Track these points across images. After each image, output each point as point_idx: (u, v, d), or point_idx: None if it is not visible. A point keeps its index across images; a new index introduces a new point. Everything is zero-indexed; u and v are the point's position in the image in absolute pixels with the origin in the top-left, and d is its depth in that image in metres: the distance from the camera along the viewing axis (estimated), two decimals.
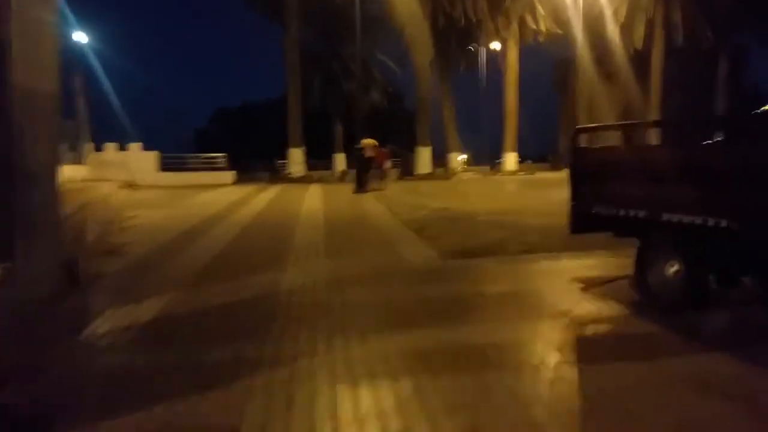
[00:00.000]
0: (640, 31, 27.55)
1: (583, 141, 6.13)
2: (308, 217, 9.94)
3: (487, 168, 34.40)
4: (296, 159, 24.39)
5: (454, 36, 31.55)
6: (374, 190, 15.88)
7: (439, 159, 36.85)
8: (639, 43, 27.77)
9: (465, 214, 9.83)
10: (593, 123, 29.31)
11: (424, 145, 26.04)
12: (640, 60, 29.87)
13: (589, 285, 4.87)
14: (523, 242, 6.75)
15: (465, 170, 32.02)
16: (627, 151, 5.04)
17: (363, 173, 14.50)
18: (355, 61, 27.47)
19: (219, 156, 25.30)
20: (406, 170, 28.50)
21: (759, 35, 30.85)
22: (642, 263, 4.41)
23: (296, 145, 24.26)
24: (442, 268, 5.93)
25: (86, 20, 28.09)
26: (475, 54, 35.22)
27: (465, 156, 38.61)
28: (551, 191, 13.50)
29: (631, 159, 4.87)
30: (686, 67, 30.39)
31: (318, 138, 33.61)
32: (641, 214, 4.37)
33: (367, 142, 18.03)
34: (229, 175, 23.81)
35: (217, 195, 16.46)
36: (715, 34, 26.94)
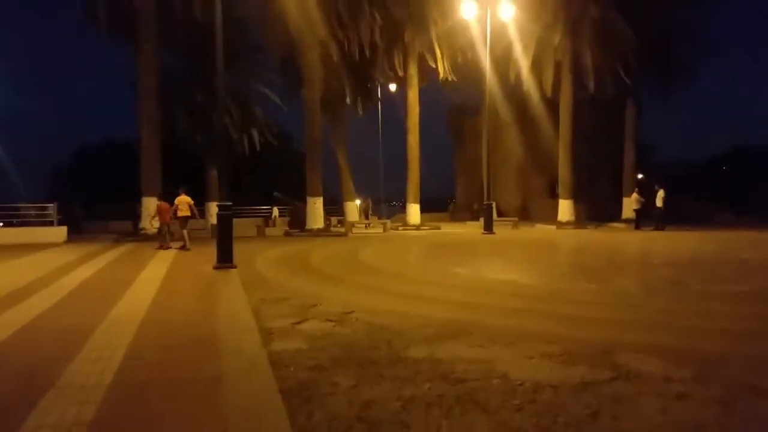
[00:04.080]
0: (548, 73, 25.75)
1: None
2: (103, 339, 5.33)
3: (386, 219, 30.92)
4: (152, 211, 19.17)
5: (350, 72, 28.19)
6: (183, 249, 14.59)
7: (335, 204, 33.02)
8: (548, 86, 25.96)
9: (382, 334, 5.70)
10: (500, 170, 27.23)
11: (315, 195, 21.86)
12: (551, 104, 28.29)
13: None
14: None
15: (364, 222, 28.27)
16: None
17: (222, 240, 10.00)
18: (231, 93, 23.00)
19: (48, 206, 19.44)
20: (295, 222, 24.16)
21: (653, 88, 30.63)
22: None
23: (151, 193, 19.05)
24: None
25: None
26: (373, 93, 32.18)
27: (363, 202, 35.01)
28: (476, 262, 9.92)
29: None
30: (594, 114, 29.27)
31: (193, 182, 28.39)
32: None
33: (183, 199, 15.40)
34: (57, 232, 18.11)
35: (11, 267, 11.08)
36: (624, 82, 25.78)
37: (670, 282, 8.81)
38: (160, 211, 15.83)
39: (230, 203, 10.42)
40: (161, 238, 15.65)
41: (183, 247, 14.92)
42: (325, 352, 4.89)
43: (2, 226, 19.77)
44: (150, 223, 18.04)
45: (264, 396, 3.85)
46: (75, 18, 31.72)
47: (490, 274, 9.97)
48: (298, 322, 6.06)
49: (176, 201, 15.50)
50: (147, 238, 18.59)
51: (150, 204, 19.10)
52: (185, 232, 15.26)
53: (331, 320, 6.12)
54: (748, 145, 55.83)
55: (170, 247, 15.08)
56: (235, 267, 10.31)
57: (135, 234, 19.28)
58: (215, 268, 10.25)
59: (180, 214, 15.37)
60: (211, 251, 11.06)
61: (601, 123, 31.84)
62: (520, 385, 3.98)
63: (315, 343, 5.22)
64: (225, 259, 10.18)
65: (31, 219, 20.76)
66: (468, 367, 4.39)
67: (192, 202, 15.47)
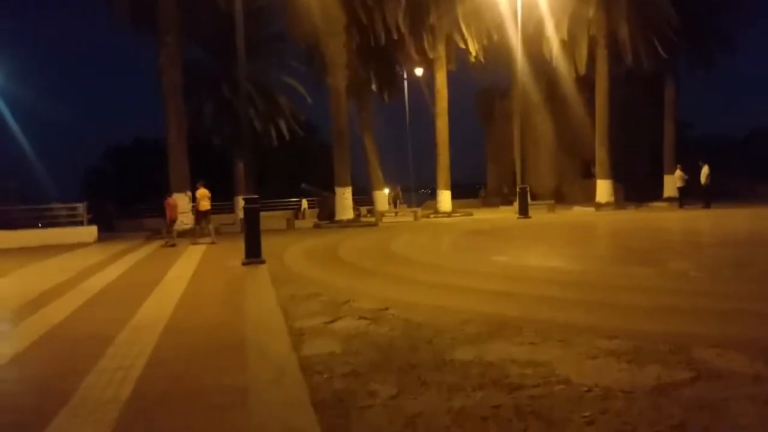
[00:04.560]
0: (582, 50, 24.67)
1: None
2: (123, 347, 4.97)
3: (416, 207, 30.35)
4: (182, 207, 19.01)
5: (375, 57, 27.62)
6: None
7: (364, 194, 32.62)
8: (582, 63, 24.88)
9: (421, 332, 5.21)
10: (531, 152, 26.32)
11: (344, 185, 21.43)
12: (583, 82, 27.20)
13: None
14: None
15: (393, 211, 27.79)
16: None
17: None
18: (255, 84, 22.68)
19: (77, 206, 19.46)
20: (324, 214, 23.81)
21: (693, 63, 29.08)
22: None
23: (180, 189, 18.86)
24: None
25: None
26: (400, 79, 31.54)
27: (392, 190, 34.54)
28: (515, 248, 9.30)
29: None
30: (629, 91, 28.06)
31: (220, 177, 28.27)
32: None
33: (203, 192, 15.13)
34: (88, 232, 18.10)
35: (36, 270, 10.95)
36: (662, 57, 24.51)
37: (732, 263, 8.10)
38: (168, 207, 15.45)
39: (257, 196, 10.04)
40: (167, 235, 15.32)
41: (211, 242, 14.74)
42: (361, 356, 4.43)
43: (38, 227, 19.87)
44: (181, 220, 17.90)
45: (294, 410, 3.41)
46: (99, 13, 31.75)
47: (531, 261, 9.38)
48: (330, 321, 5.61)
49: (197, 195, 15.25)
50: (178, 234, 18.43)
51: (180, 200, 18.95)
52: (211, 226, 15.06)
53: (365, 318, 5.66)
54: None
55: (175, 245, 14.71)
56: (264, 262, 9.95)
57: (167, 231, 19.16)
58: (244, 263, 9.90)
59: (201, 208, 15.14)
60: (240, 246, 10.70)
61: (636, 99, 30.58)
62: (588, 391, 3.44)
63: (349, 344, 4.77)
64: (253, 254, 9.82)
65: (62, 219, 20.86)
66: (523, 370, 3.87)
67: (210, 195, 15.25)
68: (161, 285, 8.42)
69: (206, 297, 7.40)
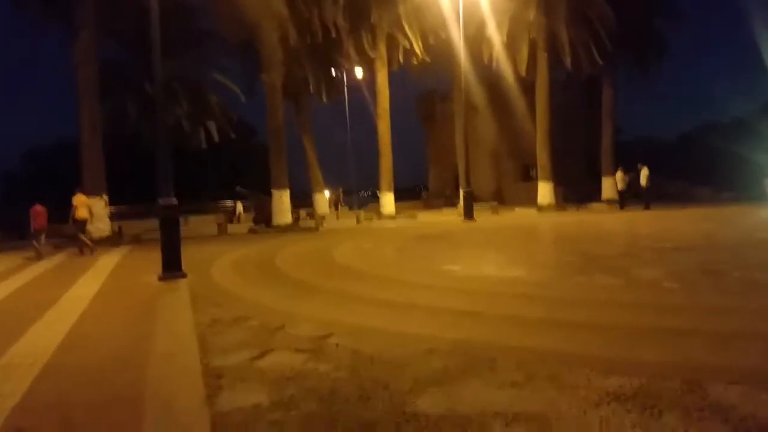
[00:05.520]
0: (523, 53, 24.45)
1: None
2: None
3: (357, 209, 29.39)
4: (97, 212, 17.17)
5: (313, 56, 26.48)
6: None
7: (305, 197, 31.44)
8: (522, 66, 24.67)
9: (374, 371, 4.21)
10: (472, 154, 25.88)
11: (281, 187, 20.14)
12: (524, 86, 27.11)
13: None
14: None
15: (334, 214, 26.73)
16: None
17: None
18: (183, 82, 21.01)
19: None
20: (261, 218, 22.41)
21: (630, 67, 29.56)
22: None
23: (95, 193, 17.04)
24: None
25: None
26: (338, 79, 30.51)
27: (333, 193, 33.45)
28: (468, 255, 8.47)
29: None
30: (565, 95, 28.21)
31: (147, 180, 26.22)
32: None
33: (80, 199, 14.20)
34: None
35: None
36: (601, 61, 24.63)
37: (701, 271, 7.54)
38: (34, 216, 13.95)
39: (175, 200, 8.71)
40: (35, 249, 13.77)
41: (83, 251, 13.62)
42: (296, 409, 3.35)
43: None
44: (97, 226, 16.14)
45: None
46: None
47: (488, 271, 8.56)
48: (259, 356, 4.49)
49: (74, 202, 13.79)
50: (95, 241, 16.63)
51: (94, 204, 17.11)
52: (83, 236, 13.66)
53: (302, 350, 4.58)
54: (715, 120, 56.04)
55: (42, 259, 13.27)
56: (185, 276, 8.65)
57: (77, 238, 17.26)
58: (160, 278, 8.56)
59: (79, 216, 13.67)
60: (159, 257, 9.32)
61: (573, 104, 30.90)
62: None
63: (281, 391, 3.67)
64: (172, 267, 8.50)
65: None
66: (514, 429, 2.91)
67: (90, 203, 13.87)
68: (56, 306, 7.01)
69: (106, 323, 6.09)
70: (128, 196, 32.12)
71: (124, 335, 5.50)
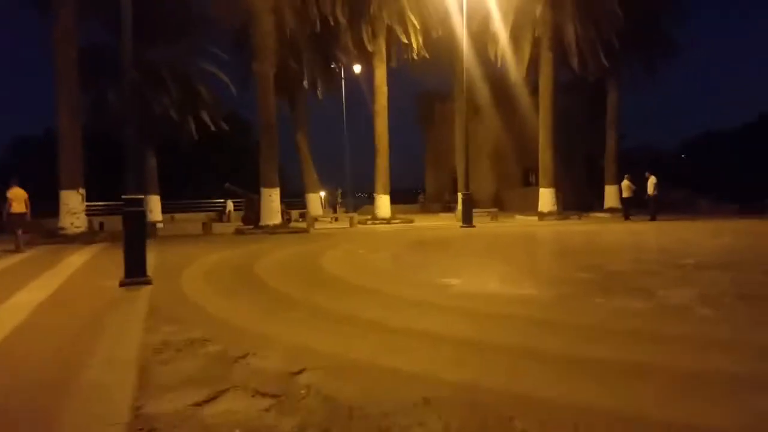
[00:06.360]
0: (526, 52, 23.56)
1: None
2: None
3: (352, 212, 28.44)
4: (73, 207, 16.15)
5: (309, 49, 25.51)
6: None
7: (300, 197, 30.57)
8: (524, 66, 23.77)
9: (363, 430, 3.25)
10: (472, 157, 24.92)
11: (270, 185, 19.14)
12: (527, 87, 26.21)
13: None
14: None
15: (331, 216, 25.76)
16: None
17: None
18: (172, 71, 19.93)
19: None
20: (250, 218, 21.42)
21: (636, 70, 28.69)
22: None
23: (71, 186, 16.00)
24: None
25: None
26: (335, 74, 29.57)
27: (330, 194, 32.52)
28: (468, 266, 7.58)
29: None
30: (568, 99, 27.30)
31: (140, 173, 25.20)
32: None
33: (16, 192, 13.12)
34: None
35: None
36: (607, 62, 23.74)
37: (735, 294, 6.59)
38: (10, 200, 13.20)
39: (141, 196, 7.71)
40: (15, 239, 13.11)
41: (15, 250, 12.61)
42: None
43: None
44: (67, 221, 15.08)
45: None
46: None
47: (492, 286, 7.59)
48: (207, 400, 3.50)
49: (9, 195, 12.84)
50: (66, 239, 15.62)
51: (70, 199, 16.08)
52: (19, 232, 12.70)
53: (264, 393, 3.59)
54: (719, 129, 55.38)
55: (21, 252, 12.65)
56: (150, 283, 7.65)
57: (54, 234, 16.21)
58: (122, 284, 7.55)
59: (14, 210, 12.71)
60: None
61: (575, 109, 30.04)
62: None
63: None
64: (135, 273, 7.50)
65: None
66: None
67: (27, 196, 12.87)
68: (11, 308, 6.01)
69: (38, 341, 5.08)
70: (118, 192, 31.09)
71: (51, 359, 4.50)
